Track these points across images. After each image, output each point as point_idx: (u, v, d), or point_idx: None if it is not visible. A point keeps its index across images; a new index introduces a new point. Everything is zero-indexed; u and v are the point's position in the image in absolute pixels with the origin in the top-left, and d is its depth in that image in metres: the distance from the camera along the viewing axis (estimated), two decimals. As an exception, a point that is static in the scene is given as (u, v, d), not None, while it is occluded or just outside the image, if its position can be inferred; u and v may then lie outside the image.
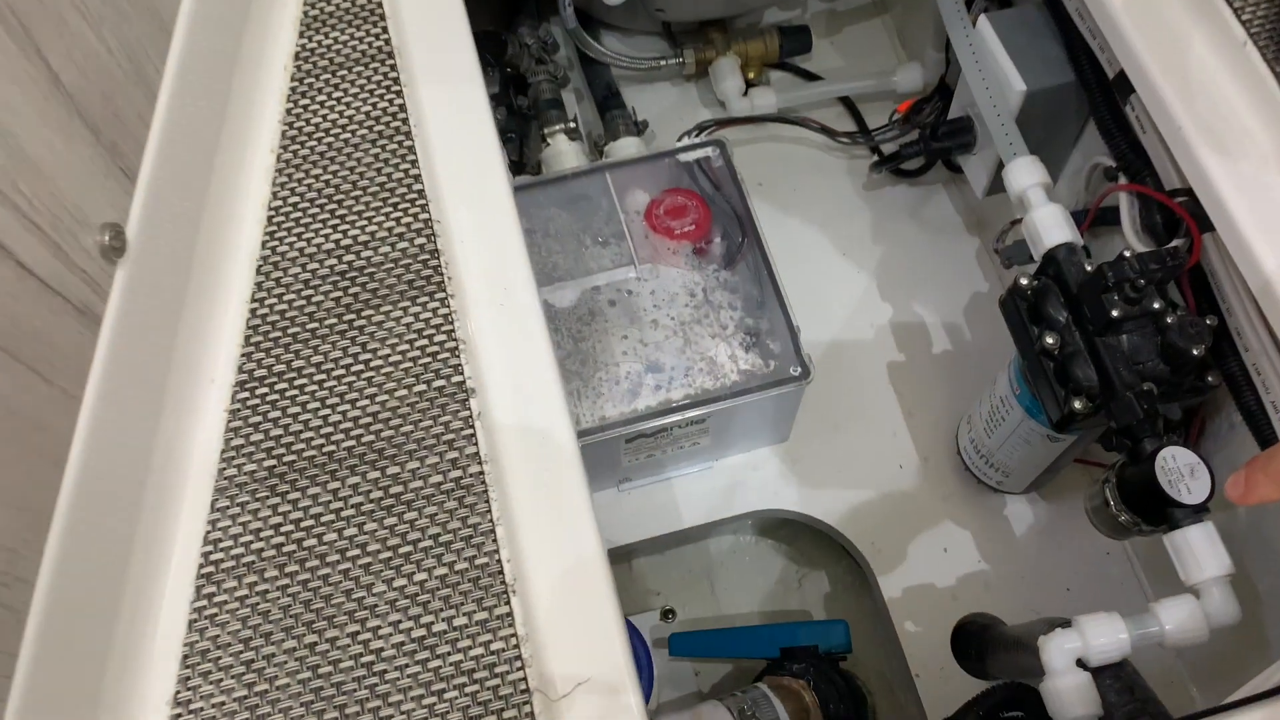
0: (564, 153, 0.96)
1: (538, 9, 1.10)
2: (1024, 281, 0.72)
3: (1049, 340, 0.69)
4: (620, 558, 0.96)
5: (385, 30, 0.63)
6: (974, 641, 0.84)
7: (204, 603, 0.48)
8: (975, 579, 0.88)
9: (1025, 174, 0.76)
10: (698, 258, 0.86)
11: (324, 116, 0.60)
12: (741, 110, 1.06)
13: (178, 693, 0.46)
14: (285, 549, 0.49)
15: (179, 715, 0.45)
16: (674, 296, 0.84)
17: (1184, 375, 0.67)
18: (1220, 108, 0.62)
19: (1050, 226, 0.73)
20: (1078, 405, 0.67)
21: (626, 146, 1.00)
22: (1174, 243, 0.70)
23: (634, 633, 0.86)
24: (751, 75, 1.11)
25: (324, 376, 0.52)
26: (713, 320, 0.83)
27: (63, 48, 0.65)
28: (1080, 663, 0.60)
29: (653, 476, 0.91)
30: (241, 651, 0.47)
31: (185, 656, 0.47)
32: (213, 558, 0.49)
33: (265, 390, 0.52)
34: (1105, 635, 0.60)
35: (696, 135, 1.01)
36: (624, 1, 0.99)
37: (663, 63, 1.10)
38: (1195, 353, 0.64)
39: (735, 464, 0.93)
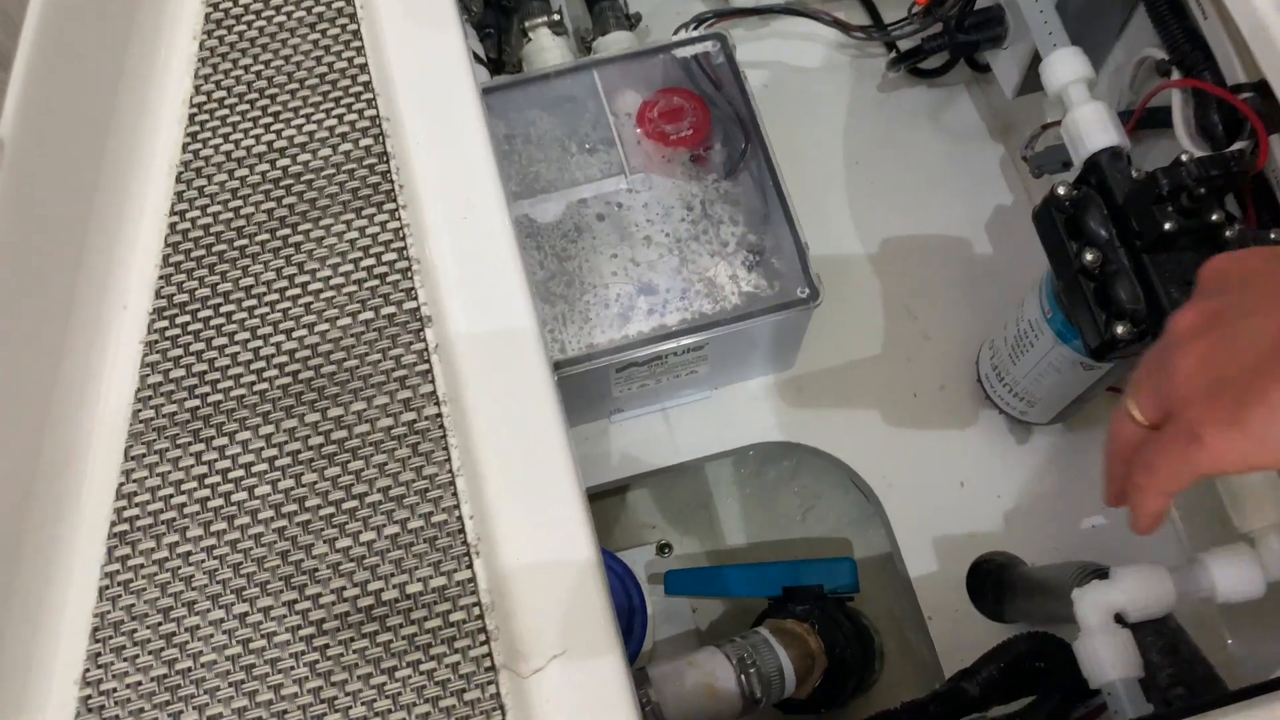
0: (547, 49, 0.87)
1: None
2: (1062, 191, 0.64)
3: (1089, 257, 0.61)
4: (613, 491, 0.90)
5: (327, -106, 0.53)
6: (991, 582, 0.78)
7: (117, 567, 0.41)
8: (994, 515, 0.82)
9: (1066, 67, 0.67)
10: (695, 166, 0.78)
11: (255, -4, 0.51)
12: (746, 0, 0.96)
13: (87, 671, 0.40)
14: (211, 504, 0.42)
15: (89, 697, 0.39)
16: (669, 210, 0.76)
17: (1242, 297, 0.59)
18: (1304, -16, 0.53)
19: (1094, 128, 0.64)
20: (1120, 330, 0.60)
21: (617, 41, 0.90)
22: (1235, 146, 0.61)
23: (626, 572, 0.80)
24: (756, -37, 1.00)
25: (255, 303, 0.45)
26: (712, 236, 0.75)
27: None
28: (1118, 618, 0.54)
29: (647, 406, 0.85)
30: (161, 624, 0.40)
31: (96, 629, 0.40)
32: (127, 514, 0.42)
33: (187, 319, 0.45)
34: (1148, 589, 0.53)
35: (695, 29, 0.91)
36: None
37: (658, -51, 0.99)
38: (1259, 271, 0.56)
39: (736, 392, 0.86)
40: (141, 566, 0.41)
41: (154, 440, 0.43)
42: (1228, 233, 0.58)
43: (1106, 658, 0.53)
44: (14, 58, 0.41)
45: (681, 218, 0.76)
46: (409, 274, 0.45)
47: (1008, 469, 0.83)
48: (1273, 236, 0.58)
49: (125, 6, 0.49)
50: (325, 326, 0.44)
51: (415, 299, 0.45)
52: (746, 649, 0.72)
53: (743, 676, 0.70)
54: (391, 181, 0.47)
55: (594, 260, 0.75)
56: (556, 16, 0.89)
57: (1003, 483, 0.83)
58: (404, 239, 0.46)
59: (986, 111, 0.97)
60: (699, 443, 0.85)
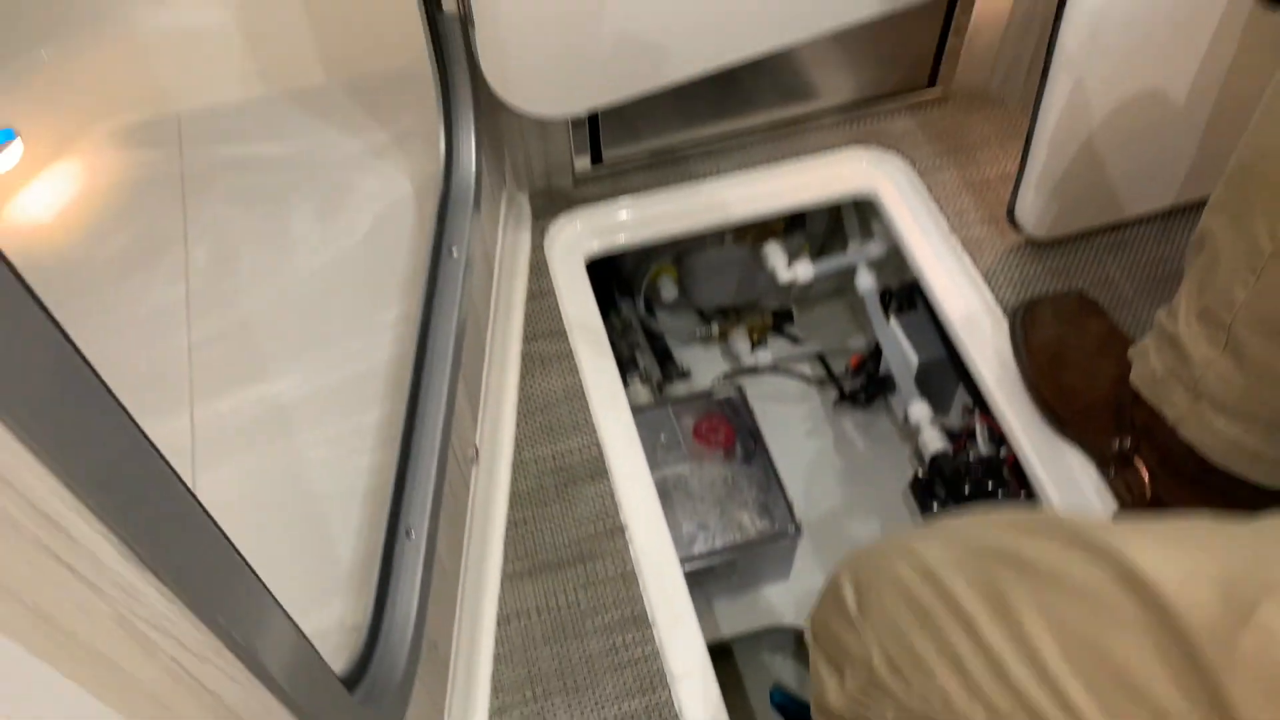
0: (638, 393, 1.50)
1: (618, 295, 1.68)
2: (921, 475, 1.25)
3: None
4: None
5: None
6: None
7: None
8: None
9: (918, 410, 1.30)
10: (726, 458, 1.39)
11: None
12: (750, 363, 1.62)
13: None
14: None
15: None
16: (713, 482, 1.37)
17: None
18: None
19: (933, 438, 1.26)
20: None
21: (677, 388, 1.54)
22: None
23: None
24: (755, 339, 1.68)
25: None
26: (737, 496, 1.35)
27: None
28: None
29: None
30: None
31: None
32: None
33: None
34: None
35: (723, 379, 1.56)
36: (675, 298, 1.57)
37: (698, 332, 1.67)
38: None
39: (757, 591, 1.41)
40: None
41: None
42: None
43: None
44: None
45: (720, 486, 1.36)
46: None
47: None
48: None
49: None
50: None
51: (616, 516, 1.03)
52: None
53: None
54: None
55: (672, 513, 1.34)
56: (643, 372, 1.54)
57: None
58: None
59: (893, 426, 1.60)
60: (728, 625, 1.39)
